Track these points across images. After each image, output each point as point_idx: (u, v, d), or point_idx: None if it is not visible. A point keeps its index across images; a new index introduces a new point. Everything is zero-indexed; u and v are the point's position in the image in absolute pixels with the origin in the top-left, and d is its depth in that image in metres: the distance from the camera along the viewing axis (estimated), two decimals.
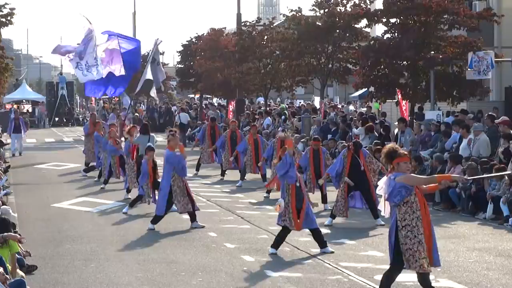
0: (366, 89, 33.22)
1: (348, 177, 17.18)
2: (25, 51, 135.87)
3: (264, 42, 41.74)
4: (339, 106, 45.41)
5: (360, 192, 17.47)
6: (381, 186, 10.26)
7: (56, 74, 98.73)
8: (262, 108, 43.15)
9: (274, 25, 43.57)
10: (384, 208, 10.35)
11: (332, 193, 18.64)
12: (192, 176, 26.97)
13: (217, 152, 26.44)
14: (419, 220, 9.91)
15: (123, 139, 25.04)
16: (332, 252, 14.10)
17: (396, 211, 10.00)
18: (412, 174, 10.12)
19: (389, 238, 10.21)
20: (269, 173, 23.37)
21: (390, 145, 10.45)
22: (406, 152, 10.33)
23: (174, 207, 17.14)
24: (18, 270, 11.32)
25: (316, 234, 14.27)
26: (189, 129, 44.63)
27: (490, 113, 23.59)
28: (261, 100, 54.32)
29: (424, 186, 10.25)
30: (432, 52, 27.30)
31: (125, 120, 35.68)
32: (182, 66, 53.62)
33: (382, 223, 16.49)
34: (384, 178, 10.27)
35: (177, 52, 55.62)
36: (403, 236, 9.93)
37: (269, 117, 36.23)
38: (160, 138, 32.58)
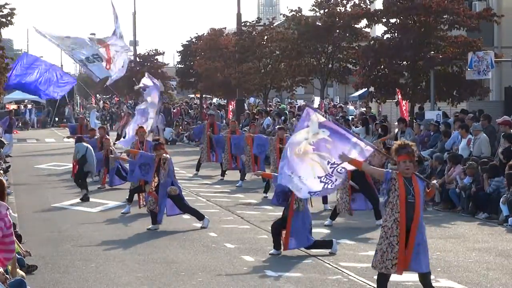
0: (366, 89, 33.22)
1: (350, 178, 17.11)
2: (25, 51, 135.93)
3: (264, 42, 41.78)
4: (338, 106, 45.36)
5: (363, 193, 17.46)
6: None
7: None
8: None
9: (274, 25, 43.60)
10: None
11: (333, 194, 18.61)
12: (192, 176, 27.04)
13: (216, 150, 26.48)
14: (395, 222, 9.87)
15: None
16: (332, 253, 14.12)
17: (384, 212, 10.09)
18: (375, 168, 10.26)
19: None
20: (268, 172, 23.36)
21: (399, 141, 10.37)
22: (410, 150, 10.06)
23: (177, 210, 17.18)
24: (18, 270, 11.32)
25: (317, 246, 14.23)
26: (189, 129, 44.70)
27: (485, 113, 23.63)
28: (252, 101, 54.29)
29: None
30: (432, 52, 27.32)
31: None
32: (182, 66, 53.65)
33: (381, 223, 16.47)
34: None
35: (177, 52, 55.71)
36: (380, 237, 9.99)
37: (269, 117, 36.23)
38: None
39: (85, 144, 22.22)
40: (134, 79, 53.11)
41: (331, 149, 11.81)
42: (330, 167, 11.81)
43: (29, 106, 66.08)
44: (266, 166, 24.02)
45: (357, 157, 11.30)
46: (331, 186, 11.90)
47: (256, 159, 24.06)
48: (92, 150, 22.26)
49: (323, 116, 12.26)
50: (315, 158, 11.92)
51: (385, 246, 9.89)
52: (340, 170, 11.78)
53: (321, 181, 11.93)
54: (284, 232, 14.13)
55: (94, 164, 22.24)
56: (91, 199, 21.44)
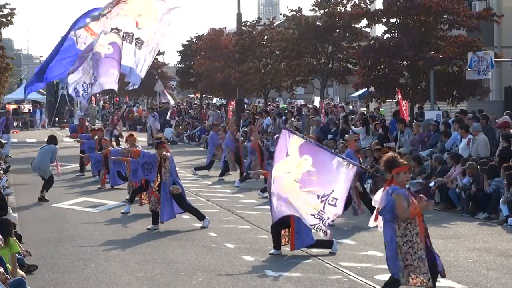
0: (366, 89, 33.19)
1: None
2: (25, 51, 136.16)
3: (264, 42, 41.73)
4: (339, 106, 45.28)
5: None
6: (377, 200, 10.11)
7: None
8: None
9: (274, 25, 43.56)
10: (377, 221, 10.22)
11: None
12: (193, 175, 27.07)
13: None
14: (418, 236, 9.84)
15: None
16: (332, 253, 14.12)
17: (396, 227, 9.85)
18: (405, 206, 9.85)
19: (388, 252, 10.02)
20: None
21: (389, 153, 10.31)
22: (405, 162, 10.16)
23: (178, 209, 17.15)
24: (18, 270, 11.33)
25: (317, 245, 14.21)
26: (189, 129, 44.72)
27: (484, 113, 23.65)
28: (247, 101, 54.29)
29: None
30: (432, 52, 27.30)
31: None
32: (182, 66, 53.61)
33: None
34: (380, 191, 10.12)
35: (177, 52, 55.70)
36: (403, 253, 9.81)
37: (269, 117, 36.23)
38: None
39: (46, 145, 21.82)
40: (155, 72, 52.77)
41: (317, 181, 11.99)
42: (321, 201, 12.04)
43: (29, 106, 65.99)
44: (269, 167, 23.97)
45: (345, 179, 11.49)
46: (324, 224, 12.17)
47: (262, 162, 24.13)
48: (46, 151, 21.52)
49: (302, 137, 12.45)
50: (304, 197, 12.18)
51: (415, 261, 9.82)
52: (332, 201, 11.97)
53: (315, 218, 12.22)
54: (283, 232, 14.14)
55: (41, 164, 21.47)
56: (90, 199, 21.46)
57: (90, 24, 18.17)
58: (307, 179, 12.26)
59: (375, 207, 16.81)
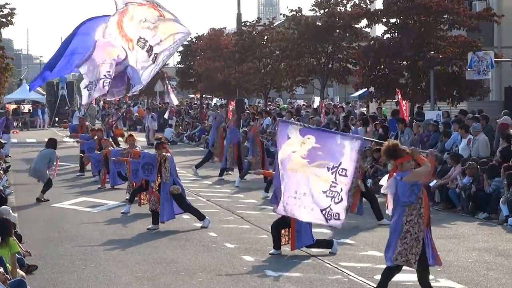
0: (366, 89, 33.19)
1: None
2: (25, 51, 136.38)
3: (264, 42, 41.74)
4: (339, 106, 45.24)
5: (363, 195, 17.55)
6: (385, 186, 10.17)
7: None
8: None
9: (274, 25, 43.56)
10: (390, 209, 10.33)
11: None
12: (193, 174, 27.08)
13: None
14: (421, 217, 9.92)
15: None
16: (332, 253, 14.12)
17: (406, 210, 9.94)
18: (416, 170, 10.04)
19: (393, 235, 10.10)
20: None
21: (388, 142, 10.36)
22: (407, 150, 10.21)
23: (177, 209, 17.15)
24: (18, 270, 11.33)
25: (317, 245, 14.20)
26: (189, 129, 44.71)
27: (484, 113, 23.66)
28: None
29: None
30: (432, 52, 27.30)
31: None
32: (182, 66, 53.59)
33: (387, 222, 16.47)
34: (385, 178, 10.18)
35: (177, 52, 55.57)
36: (404, 231, 9.91)
37: (269, 117, 36.22)
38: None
39: (45, 149, 21.82)
40: (162, 71, 52.83)
41: (324, 154, 11.98)
42: (332, 173, 11.96)
43: (29, 106, 65.98)
44: (270, 167, 23.99)
45: (351, 151, 11.52)
46: (338, 199, 12.03)
47: (263, 160, 24.14)
48: (44, 155, 21.57)
49: (299, 125, 12.57)
50: (314, 172, 12.08)
51: (411, 240, 9.88)
52: (342, 172, 11.92)
53: (327, 196, 12.09)
54: (283, 231, 14.14)
55: (37, 167, 21.48)
56: (90, 199, 21.46)
57: (124, 22, 18.47)
58: (313, 154, 12.17)
59: (376, 202, 17.01)
